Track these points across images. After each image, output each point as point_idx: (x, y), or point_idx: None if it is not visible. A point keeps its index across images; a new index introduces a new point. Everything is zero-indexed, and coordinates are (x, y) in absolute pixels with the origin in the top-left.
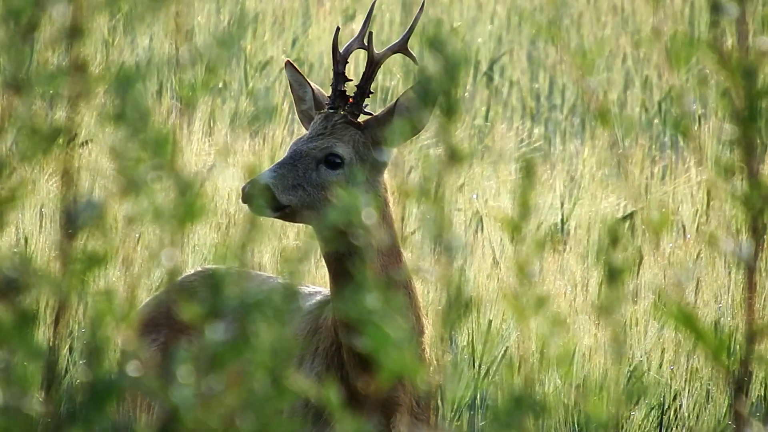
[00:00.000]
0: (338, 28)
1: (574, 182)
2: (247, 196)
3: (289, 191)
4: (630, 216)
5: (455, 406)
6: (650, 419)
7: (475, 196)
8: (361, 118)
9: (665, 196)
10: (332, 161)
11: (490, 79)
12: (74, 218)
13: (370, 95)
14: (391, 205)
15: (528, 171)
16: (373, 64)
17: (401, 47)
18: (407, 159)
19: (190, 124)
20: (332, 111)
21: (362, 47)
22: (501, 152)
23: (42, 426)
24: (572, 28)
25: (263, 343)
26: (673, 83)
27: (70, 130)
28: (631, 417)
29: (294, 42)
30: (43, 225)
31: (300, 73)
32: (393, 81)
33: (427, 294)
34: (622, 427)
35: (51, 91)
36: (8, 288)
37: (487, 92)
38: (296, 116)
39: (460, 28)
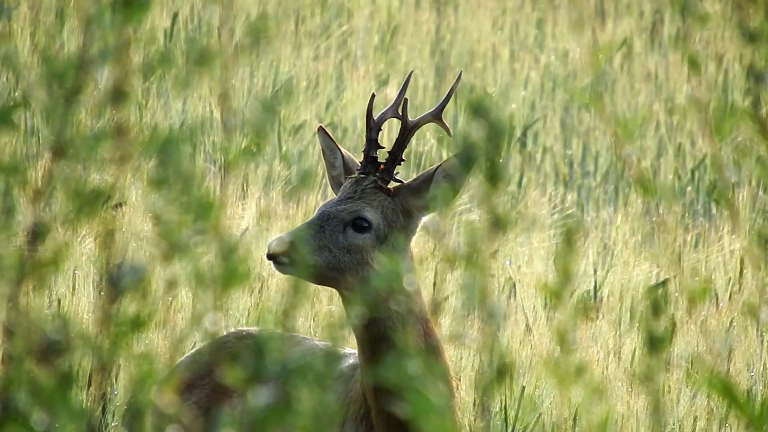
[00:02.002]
0: (373, 95)
1: (606, 249)
2: (273, 253)
3: (315, 252)
4: (663, 284)
5: None
6: None
7: (508, 263)
8: (392, 185)
9: (698, 264)
10: (360, 225)
11: (524, 145)
12: (117, 282)
13: (402, 162)
14: (416, 271)
15: (568, 238)
16: (406, 132)
17: (435, 116)
18: (446, 225)
19: (223, 187)
20: (363, 176)
21: (396, 116)
22: (534, 218)
23: None
24: (606, 95)
25: (306, 408)
26: (707, 151)
27: (111, 193)
28: None
29: (328, 106)
30: (77, 287)
31: (331, 139)
32: (426, 146)
33: (460, 359)
34: None
35: (92, 154)
36: (49, 350)
37: (520, 158)
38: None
39: (494, 94)
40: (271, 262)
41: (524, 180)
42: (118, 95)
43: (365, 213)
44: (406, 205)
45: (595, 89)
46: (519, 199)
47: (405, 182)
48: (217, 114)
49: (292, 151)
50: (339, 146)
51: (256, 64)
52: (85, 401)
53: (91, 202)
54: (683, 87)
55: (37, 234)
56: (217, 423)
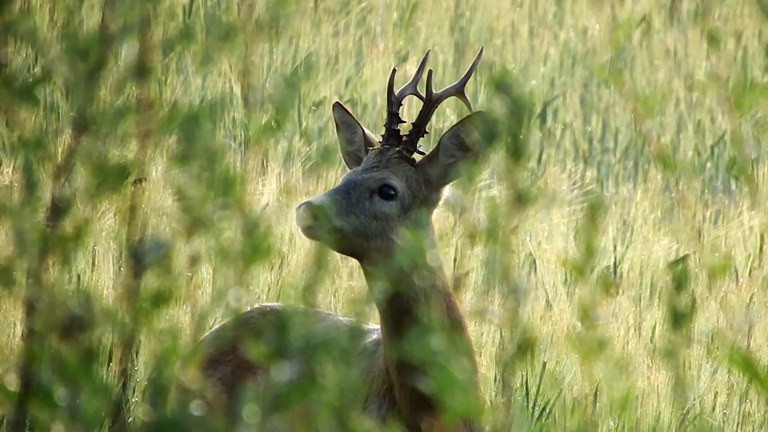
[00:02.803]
0: (394, 70)
1: (626, 225)
2: (301, 217)
3: (342, 216)
4: (683, 260)
5: None
6: None
7: (528, 239)
8: (416, 157)
9: (718, 240)
10: (386, 192)
11: (544, 121)
12: (140, 257)
13: (425, 135)
14: (437, 245)
15: (591, 213)
16: (430, 104)
17: (458, 90)
18: (469, 200)
19: (244, 163)
20: (387, 147)
21: (415, 93)
22: (554, 195)
23: None
24: (625, 71)
25: (330, 384)
26: (726, 128)
27: (136, 168)
28: None
29: (347, 82)
30: (97, 263)
31: (350, 114)
32: (446, 122)
33: (481, 335)
34: None
35: (115, 131)
36: (73, 326)
37: (540, 135)
38: None
39: (514, 71)
40: (299, 226)
41: (544, 156)
42: (140, 71)
43: (392, 181)
44: (427, 176)
45: (614, 66)
46: (539, 175)
47: (426, 154)
48: (237, 90)
49: (312, 127)
50: (358, 121)
51: (276, 40)
52: (106, 377)
53: (113, 178)
54: (702, 63)
55: (58, 210)
56: (241, 399)
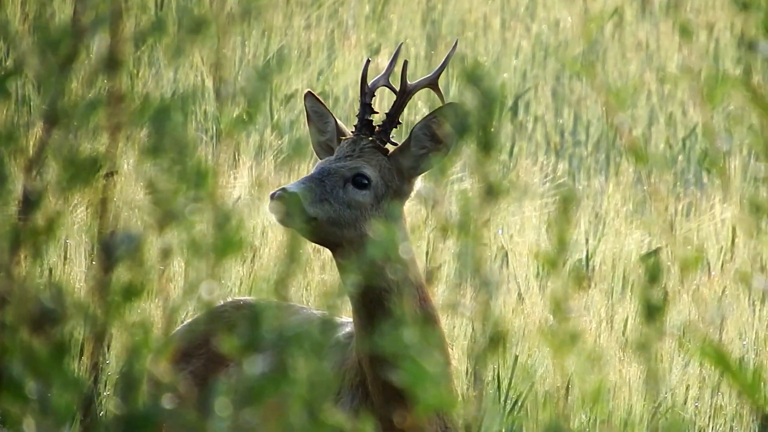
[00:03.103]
0: (368, 61)
1: (598, 218)
2: (275, 205)
3: (316, 204)
4: (655, 253)
5: None
6: None
7: (500, 231)
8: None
9: (690, 233)
10: (359, 182)
11: (515, 114)
12: (111, 250)
13: (398, 126)
14: (409, 237)
15: (564, 206)
16: (404, 95)
17: (432, 82)
18: (441, 193)
19: (216, 156)
20: (361, 137)
21: (387, 85)
22: (526, 187)
23: None
24: (597, 64)
25: (301, 377)
26: (698, 120)
27: (107, 161)
28: None
29: (319, 75)
30: (69, 256)
31: (322, 103)
32: (417, 115)
33: (453, 328)
34: None
35: (87, 123)
36: (44, 319)
37: (512, 128)
38: None
39: (486, 64)
40: (273, 213)
41: (516, 149)
42: (111, 63)
43: (365, 170)
44: (399, 166)
45: (586, 58)
46: (511, 168)
47: (398, 144)
48: (209, 83)
49: (283, 120)
50: (330, 111)
51: (248, 33)
52: (77, 371)
53: (84, 171)
54: (674, 56)
55: (29, 203)
56: (213, 392)
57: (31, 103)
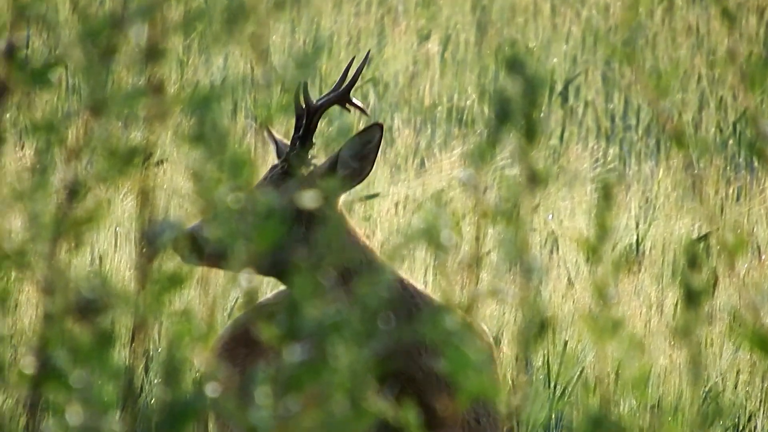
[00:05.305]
0: (306, 84)
1: (648, 203)
2: (177, 249)
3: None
4: (705, 237)
5: (530, 428)
6: None
7: (550, 217)
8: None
9: (740, 217)
10: None
11: (565, 99)
12: (154, 239)
13: (312, 146)
14: (352, 230)
15: (606, 192)
16: (310, 115)
17: (341, 98)
18: (483, 180)
19: (265, 144)
20: (275, 164)
21: (297, 103)
22: (576, 173)
23: None
24: (647, 49)
25: (342, 365)
26: (747, 105)
27: (146, 151)
28: None
29: (369, 61)
30: (119, 244)
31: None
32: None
33: (503, 315)
34: None
35: (128, 112)
36: (87, 309)
37: (562, 113)
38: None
39: (535, 49)
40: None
41: (566, 134)
42: (152, 53)
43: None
44: (319, 187)
45: (630, 44)
46: (561, 153)
47: (317, 165)
48: (258, 71)
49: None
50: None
51: (297, 20)
52: (127, 359)
53: (129, 160)
54: (724, 40)
55: (74, 192)
56: (252, 381)
57: (81, 92)
